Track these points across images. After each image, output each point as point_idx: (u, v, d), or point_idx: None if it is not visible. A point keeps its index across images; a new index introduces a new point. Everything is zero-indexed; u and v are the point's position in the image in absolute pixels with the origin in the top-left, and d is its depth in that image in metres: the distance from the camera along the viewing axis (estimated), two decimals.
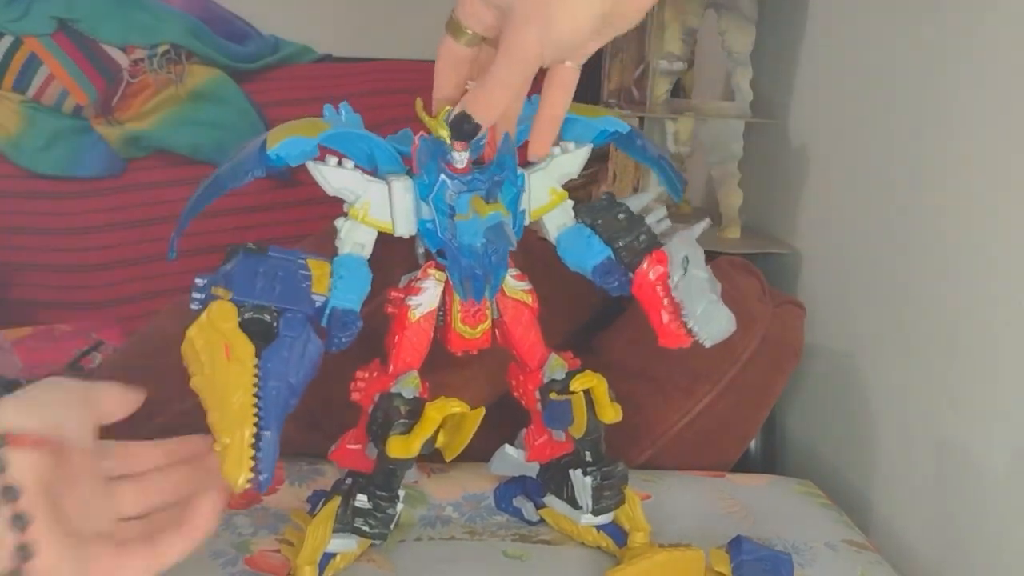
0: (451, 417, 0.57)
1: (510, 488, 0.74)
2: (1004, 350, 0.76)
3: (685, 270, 0.58)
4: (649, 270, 0.59)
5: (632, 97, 1.23)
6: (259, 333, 0.51)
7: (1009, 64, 0.76)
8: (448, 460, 0.59)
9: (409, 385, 0.58)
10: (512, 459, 0.69)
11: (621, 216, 0.61)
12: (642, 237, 0.61)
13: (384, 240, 0.58)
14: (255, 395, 0.48)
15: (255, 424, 0.48)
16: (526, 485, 0.73)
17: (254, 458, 0.47)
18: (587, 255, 0.60)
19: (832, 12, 1.10)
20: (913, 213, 0.89)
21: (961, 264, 0.82)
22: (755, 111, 1.18)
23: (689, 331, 0.58)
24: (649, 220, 0.62)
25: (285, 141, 0.54)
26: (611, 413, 0.62)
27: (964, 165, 0.82)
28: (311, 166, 0.55)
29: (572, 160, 0.62)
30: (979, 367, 0.79)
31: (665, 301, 0.59)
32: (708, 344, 0.59)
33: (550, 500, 0.70)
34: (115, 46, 1.65)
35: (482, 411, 0.57)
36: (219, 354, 0.49)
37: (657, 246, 0.61)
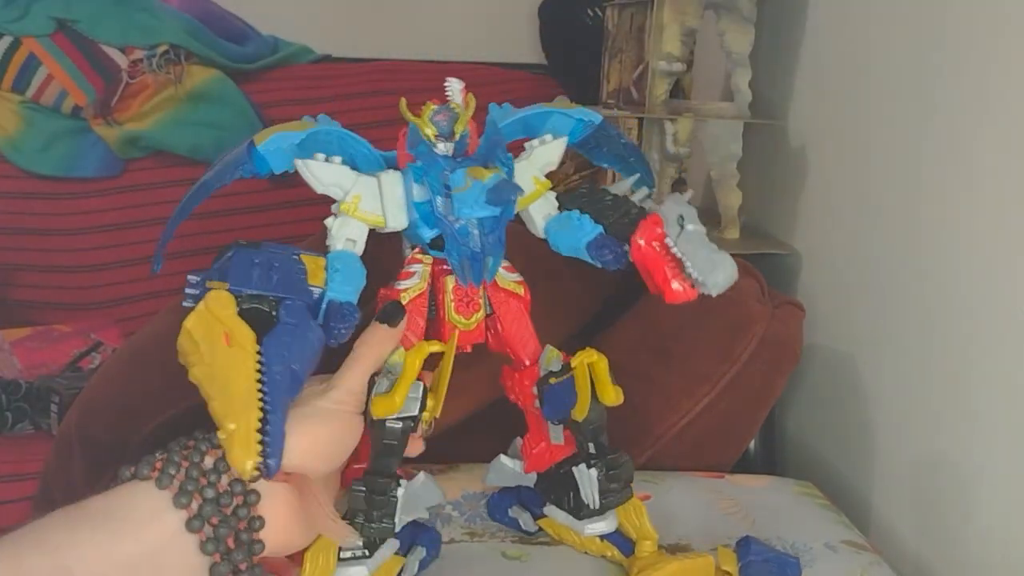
0: (434, 379, 0.57)
1: (504, 498, 0.73)
2: (1004, 350, 0.76)
3: (682, 227, 0.58)
4: (646, 231, 0.58)
5: (631, 98, 1.23)
6: (258, 324, 0.50)
7: (1010, 64, 0.76)
8: (438, 416, 0.58)
9: (398, 358, 0.57)
10: (508, 469, 0.68)
11: (608, 199, 0.61)
12: (633, 211, 0.60)
13: (375, 243, 0.58)
14: (259, 380, 0.47)
15: (261, 408, 0.47)
16: (521, 495, 0.72)
17: (262, 442, 0.46)
18: (579, 234, 0.60)
19: (832, 13, 1.10)
20: (913, 213, 0.89)
21: (961, 264, 0.82)
22: (754, 112, 1.18)
23: (694, 283, 0.57)
24: (634, 199, 0.62)
25: (273, 136, 0.54)
26: (612, 394, 0.61)
27: (964, 165, 0.82)
28: (299, 164, 0.55)
29: (551, 150, 0.62)
30: (979, 367, 0.79)
31: (666, 258, 0.58)
32: (714, 293, 0.57)
33: (550, 511, 0.69)
34: (114, 46, 1.65)
35: (454, 348, 0.57)
36: (219, 342, 0.48)
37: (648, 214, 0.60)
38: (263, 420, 0.46)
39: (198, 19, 1.69)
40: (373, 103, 1.62)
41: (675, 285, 0.57)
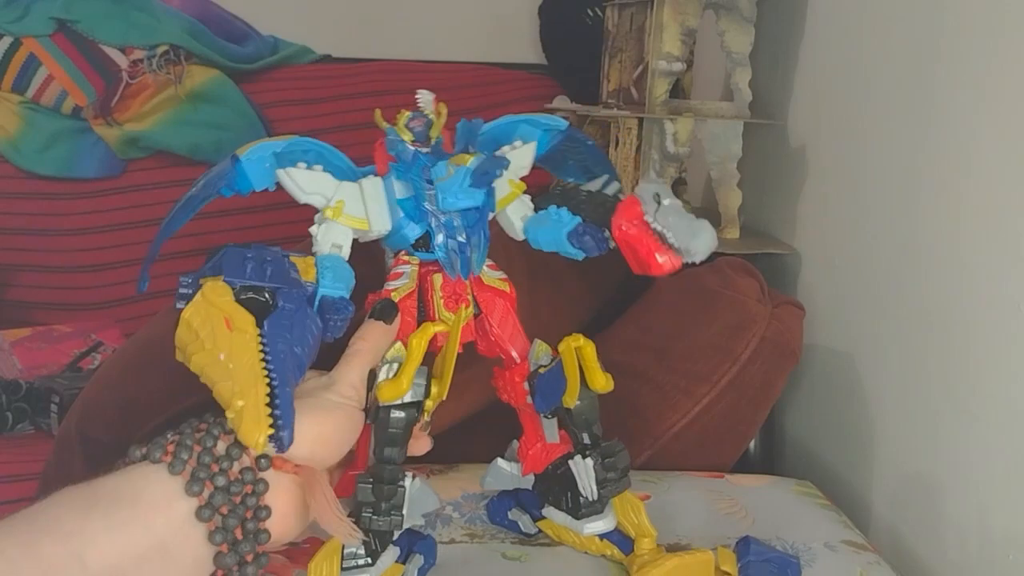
0: (438, 362, 0.57)
1: (504, 501, 0.73)
2: (1003, 350, 0.76)
3: (659, 203, 0.58)
4: (625, 212, 0.59)
5: (631, 97, 1.23)
6: (256, 313, 0.49)
7: (1011, 64, 0.76)
8: (444, 398, 0.58)
9: (396, 352, 0.57)
10: (506, 473, 0.69)
11: (582, 195, 0.62)
12: (608, 201, 0.61)
13: (361, 257, 0.58)
14: (263, 358, 0.47)
15: (268, 384, 0.45)
16: (519, 497, 0.72)
17: (272, 415, 0.45)
18: (559, 226, 0.61)
19: (831, 13, 1.10)
20: (912, 213, 0.89)
21: (961, 264, 0.82)
22: (754, 111, 1.18)
23: (677, 251, 0.57)
24: (608, 192, 0.63)
25: (255, 146, 0.55)
26: (602, 380, 0.61)
27: (963, 165, 0.82)
28: (281, 174, 0.56)
29: (522, 155, 0.64)
30: (979, 367, 0.79)
31: (648, 234, 0.58)
32: (698, 260, 0.58)
33: (549, 512, 0.69)
34: (114, 47, 1.65)
35: (460, 325, 0.57)
36: (220, 327, 0.47)
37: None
38: (271, 395, 0.45)
39: (198, 19, 1.69)
40: (373, 103, 1.61)
41: (659, 257, 0.57)
